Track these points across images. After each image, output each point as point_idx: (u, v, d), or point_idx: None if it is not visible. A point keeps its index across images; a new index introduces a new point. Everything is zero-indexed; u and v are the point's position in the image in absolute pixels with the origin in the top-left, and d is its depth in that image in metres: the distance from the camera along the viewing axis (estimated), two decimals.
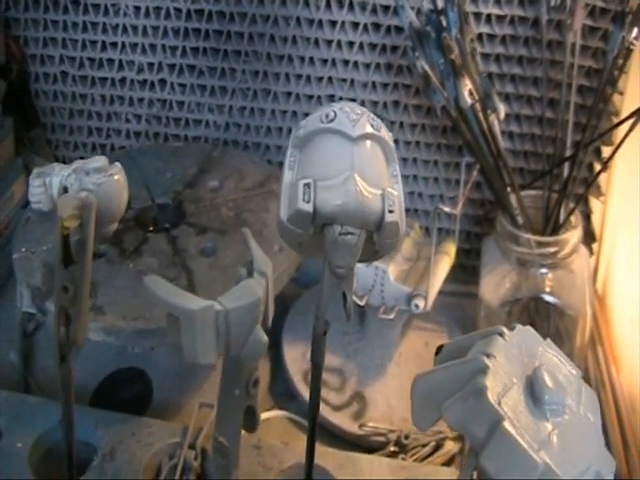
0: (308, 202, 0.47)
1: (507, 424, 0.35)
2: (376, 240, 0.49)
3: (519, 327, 0.43)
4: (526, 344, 0.41)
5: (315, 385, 0.54)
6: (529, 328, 0.43)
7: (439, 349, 0.45)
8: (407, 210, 1.31)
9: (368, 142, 0.49)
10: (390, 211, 0.48)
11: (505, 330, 0.43)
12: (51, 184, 0.61)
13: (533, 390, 0.38)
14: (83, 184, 0.57)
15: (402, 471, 0.99)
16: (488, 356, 0.39)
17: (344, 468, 0.99)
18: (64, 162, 1.26)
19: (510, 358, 0.39)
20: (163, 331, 0.95)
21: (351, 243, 0.48)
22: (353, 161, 0.48)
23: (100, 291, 0.99)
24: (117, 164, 0.61)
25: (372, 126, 0.49)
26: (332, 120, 0.49)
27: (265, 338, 0.46)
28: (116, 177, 0.59)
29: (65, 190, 0.58)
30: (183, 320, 0.43)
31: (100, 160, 0.60)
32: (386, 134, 0.51)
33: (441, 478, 0.98)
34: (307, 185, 0.48)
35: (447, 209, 1.12)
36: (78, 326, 0.57)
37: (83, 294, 0.56)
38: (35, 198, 0.61)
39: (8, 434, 1.02)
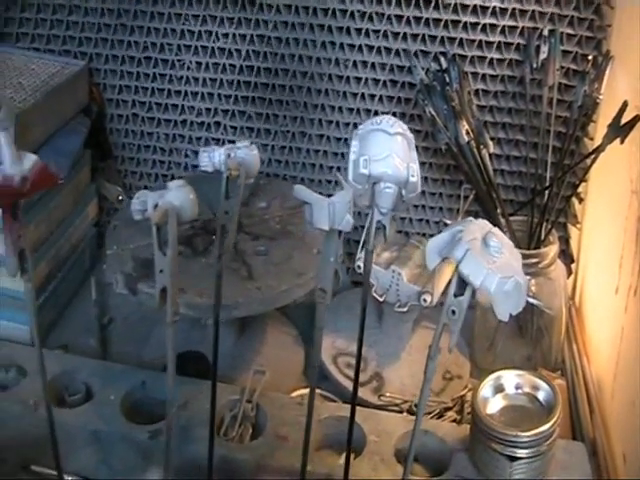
0: (365, 168, 0.93)
1: (471, 252, 0.80)
2: (403, 194, 0.95)
3: (481, 220, 0.88)
4: (484, 225, 0.86)
5: (367, 268, 0.99)
6: (486, 222, 0.88)
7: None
8: (417, 233, 1.78)
9: (399, 136, 0.95)
10: (412, 175, 0.94)
11: (472, 219, 0.88)
12: (214, 156, 1.08)
13: (485, 241, 0.82)
14: (237, 154, 1.04)
15: (411, 423, 1.42)
16: (463, 226, 0.84)
17: (368, 420, 1.42)
18: (131, 190, 1.75)
19: (474, 228, 0.84)
20: (230, 307, 1.40)
21: (390, 193, 0.93)
22: (391, 146, 0.94)
23: (181, 277, 1.45)
24: (254, 146, 1.08)
25: (401, 128, 0.96)
26: (379, 123, 0.95)
27: (352, 220, 0.90)
28: (254, 152, 1.07)
29: (228, 156, 1.05)
30: (313, 205, 0.87)
31: (246, 142, 1.07)
32: (409, 133, 0.97)
33: (442, 430, 1.42)
34: (365, 160, 0.93)
35: (449, 221, 1.59)
36: (231, 236, 1.04)
37: (234, 217, 1.03)
38: (203, 163, 1.09)
39: (102, 390, 1.45)
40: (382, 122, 0.95)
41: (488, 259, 0.80)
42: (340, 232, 0.90)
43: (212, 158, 1.10)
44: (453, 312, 0.83)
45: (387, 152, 0.93)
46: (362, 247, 1.54)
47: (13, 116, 0.88)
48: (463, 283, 0.82)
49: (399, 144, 0.95)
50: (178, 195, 0.93)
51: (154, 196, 0.92)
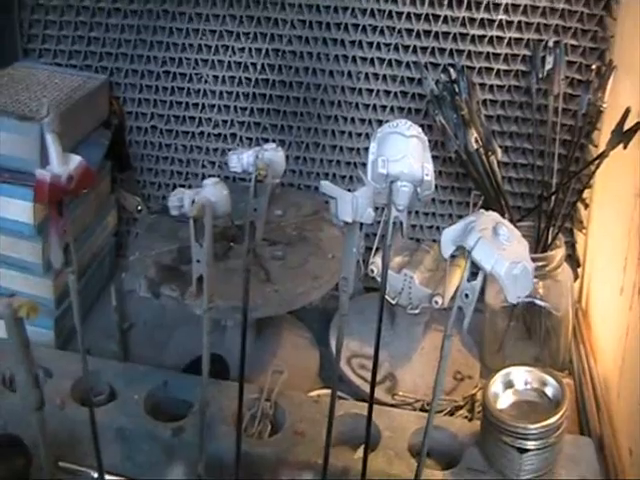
0: (384, 168, 1.03)
1: (483, 239, 0.89)
2: (419, 192, 1.04)
3: (491, 212, 0.97)
4: (494, 217, 0.95)
5: (385, 261, 1.08)
6: (496, 214, 0.97)
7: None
8: (427, 240, 1.87)
9: (415, 139, 1.04)
10: (426, 174, 1.03)
11: (484, 211, 0.97)
12: (242, 157, 1.18)
13: (495, 230, 0.91)
14: (265, 156, 1.13)
15: (423, 420, 1.50)
16: (475, 217, 0.93)
17: (383, 417, 1.50)
18: (149, 200, 1.83)
19: (485, 219, 0.92)
20: (249, 309, 1.49)
21: (406, 191, 1.02)
22: (407, 148, 1.03)
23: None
24: (280, 148, 1.18)
25: (416, 131, 1.05)
26: (396, 127, 1.04)
27: (373, 213, 0.99)
28: (280, 154, 1.16)
29: (256, 158, 1.15)
30: (338, 199, 0.96)
31: (272, 145, 1.17)
32: (423, 136, 1.06)
33: (454, 426, 1.50)
34: (383, 160, 1.03)
35: None
36: (259, 232, 1.13)
37: (262, 214, 1.13)
38: (233, 164, 1.19)
39: (125, 390, 1.53)
40: (399, 125, 1.04)
41: (498, 246, 0.89)
42: (362, 225, 0.99)
43: (241, 160, 1.20)
44: (467, 295, 0.92)
45: (403, 153, 1.03)
46: (375, 252, 1.64)
47: (59, 121, 0.97)
48: (475, 269, 0.91)
49: (414, 146, 1.04)
50: (213, 191, 1.02)
51: (190, 193, 1.01)
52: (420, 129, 1.06)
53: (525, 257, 0.91)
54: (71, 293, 1.05)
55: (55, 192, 0.95)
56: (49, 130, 0.96)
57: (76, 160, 0.98)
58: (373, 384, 1.21)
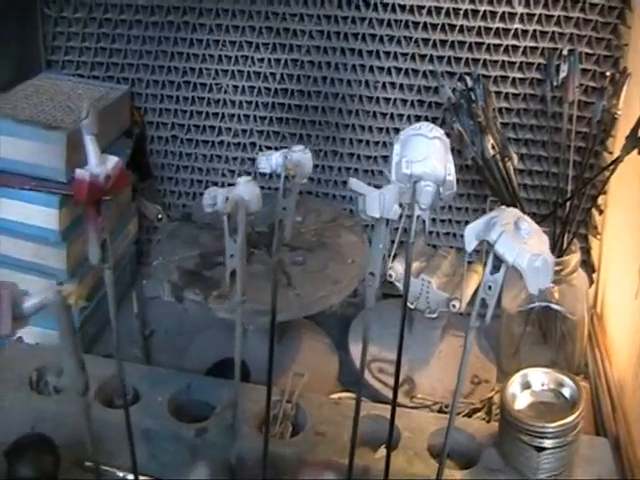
0: (407, 169, 1.08)
1: (505, 233, 0.94)
2: (441, 191, 1.09)
3: (511, 208, 1.02)
4: (515, 212, 1.00)
5: (408, 259, 1.12)
6: (517, 210, 1.02)
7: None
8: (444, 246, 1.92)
9: (437, 140, 1.09)
10: (449, 174, 1.08)
11: (505, 207, 1.02)
12: (271, 159, 1.24)
13: (517, 225, 0.96)
14: (293, 157, 1.19)
15: (442, 421, 1.55)
16: (497, 213, 0.98)
17: (401, 418, 1.53)
18: (169, 208, 1.88)
19: (506, 215, 0.97)
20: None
21: (430, 191, 1.07)
22: (429, 149, 1.08)
23: (224, 284, 1.57)
24: (307, 149, 1.23)
25: (438, 132, 1.10)
26: (419, 129, 1.10)
27: (399, 210, 1.04)
28: (308, 155, 1.22)
29: (285, 159, 1.20)
30: (366, 195, 1.01)
31: (300, 147, 1.22)
32: (445, 138, 1.11)
33: (472, 427, 1.54)
34: (407, 161, 1.07)
35: None
36: (287, 230, 1.18)
37: (290, 213, 1.18)
38: (262, 165, 1.24)
39: (149, 393, 1.57)
40: (421, 127, 1.09)
41: (520, 240, 0.94)
42: (388, 221, 1.04)
43: (269, 160, 1.26)
44: (490, 287, 0.97)
45: (426, 154, 1.08)
46: (393, 258, 1.69)
47: (97, 123, 1.03)
48: (498, 262, 0.95)
49: (437, 147, 1.09)
50: (246, 189, 1.08)
51: (223, 191, 1.07)
52: (442, 131, 1.11)
53: (545, 250, 0.95)
54: (107, 287, 1.11)
55: (94, 191, 1.00)
56: (88, 132, 1.02)
57: (113, 160, 1.03)
58: (396, 386, 1.25)
